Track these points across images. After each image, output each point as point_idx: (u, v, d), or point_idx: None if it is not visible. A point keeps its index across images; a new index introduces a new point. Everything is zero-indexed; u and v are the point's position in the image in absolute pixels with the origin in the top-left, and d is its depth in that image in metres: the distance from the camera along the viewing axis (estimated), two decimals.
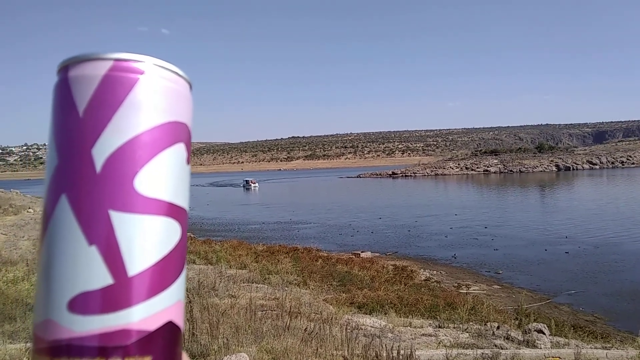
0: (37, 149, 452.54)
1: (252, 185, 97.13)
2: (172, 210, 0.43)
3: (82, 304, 0.39)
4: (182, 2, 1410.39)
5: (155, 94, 0.43)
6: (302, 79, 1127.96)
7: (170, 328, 0.43)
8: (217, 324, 6.74)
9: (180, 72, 0.46)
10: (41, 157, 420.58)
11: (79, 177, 0.41)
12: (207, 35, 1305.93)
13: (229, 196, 78.42)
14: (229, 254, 19.09)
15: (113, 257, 0.40)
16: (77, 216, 0.40)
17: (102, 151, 0.40)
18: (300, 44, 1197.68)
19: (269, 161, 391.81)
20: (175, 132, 0.44)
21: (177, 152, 0.44)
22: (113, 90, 0.41)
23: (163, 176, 0.43)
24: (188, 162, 0.46)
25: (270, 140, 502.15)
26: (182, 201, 0.45)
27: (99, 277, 0.40)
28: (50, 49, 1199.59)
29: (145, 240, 0.41)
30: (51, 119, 0.43)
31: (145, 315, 0.41)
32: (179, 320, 0.44)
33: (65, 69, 0.43)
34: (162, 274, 0.42)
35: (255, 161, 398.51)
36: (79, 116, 0.41)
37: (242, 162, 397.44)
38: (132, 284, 0.40)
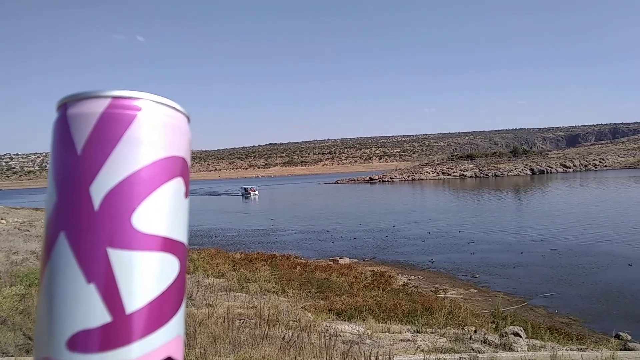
0: (9, 158, 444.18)
1: (252, 193, 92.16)
2: (170, 246, 0.43)
3: (81, 342, 0.39)
4: (157, 9, 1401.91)
5: (153, 130, 0.43)
6: (278, 86, 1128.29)
7: None
8: (194, 334, 6.67)
9: (178, 107, 0.46)
10: (14, 167, 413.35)
11: (77, 215, 0.41)
12: (181, 42, 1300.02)
13: (231, 206, 72.79)
14: (207, 263, 18.91)
15: (111, 295, 0.40)
16: (76, 254, 0.40)
17: (100, 188, 0.41)
18: (276, 49, 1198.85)
19: (247, 168, 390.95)
20: (173, 167, 0.44)
21: (175, 187, 0.44)
22: (111, 128, 0.42)
23: (161, 212, 0.43)
24: (186, 195, 0.47)
25: (248, 147, 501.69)
26: (181, 235, 0.45)
27: (98, 315, 0.40)
28: (23, 57, 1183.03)
29: (144, 276, 0.41)
30: (50, 156, 0.44)
31: (143, 352, 0.41)
32: (178, 356, 0.45)
33: (63, 106, 0.44)
34: (160, 310, 0.42)
35: (233, 168, 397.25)
36: (77, 154, 0.41)
37: (219, 170, 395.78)
38: (131, 321, 0.40)
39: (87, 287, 0.40)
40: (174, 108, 0.46)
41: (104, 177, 0.41)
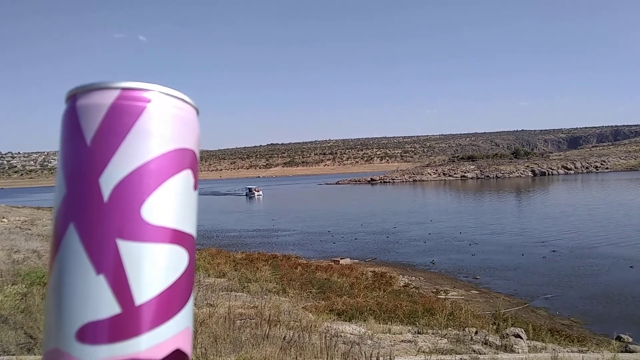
0: (11, 157, 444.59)
1: (256, 193, 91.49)
2: (179, 238, 0.43)
3: (91, 333, 0.39)
4: (159, 9, 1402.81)
5: (162, 121, 0.43)
6: (280, 86, 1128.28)
7: (177, 356, 0.43)
8: (195, 333, 6.67)
9: (187, 99, 0.46)
10: (15, 166, 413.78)
11: (86, 206, 0.41)
12: (183, 41, 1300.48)
13: (233, 206, 71.37)
14: (208, 262, 18.90)
15: (120, 286, 0.40)
16: (85, 245, 0.40)
17: (109, 180, 0.40)
18: (277, 50, 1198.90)
19: (248, 168, 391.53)
20: (182, 159, 0.44)
21: (184, 179, 0.44)
22: (120, 119, 0.42)
23: (170, 203, 0.43)
24: (195, 188, 0.47)
25: (249, 147, 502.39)
26: (190, 228, 0.45)
27: (107, 306, 0.40)
28: (25, 59, 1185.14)
29: (153, 268, 0.41)
30: (59, 147, 0.43)
31: (152, 344, 0.41)
32: (187, 348, 0.44)
33: (73, 97, 0.44)
34: (169, 302, 0.42)
35: (234, 168, 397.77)
36: (86, 145, 0.41)
37: (221, 170, 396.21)
38: (140, 312, 0.40)
39: (96, 279, 0.40)
40: (183, 100, 0.46)
41: (113, 168, 0.41)
